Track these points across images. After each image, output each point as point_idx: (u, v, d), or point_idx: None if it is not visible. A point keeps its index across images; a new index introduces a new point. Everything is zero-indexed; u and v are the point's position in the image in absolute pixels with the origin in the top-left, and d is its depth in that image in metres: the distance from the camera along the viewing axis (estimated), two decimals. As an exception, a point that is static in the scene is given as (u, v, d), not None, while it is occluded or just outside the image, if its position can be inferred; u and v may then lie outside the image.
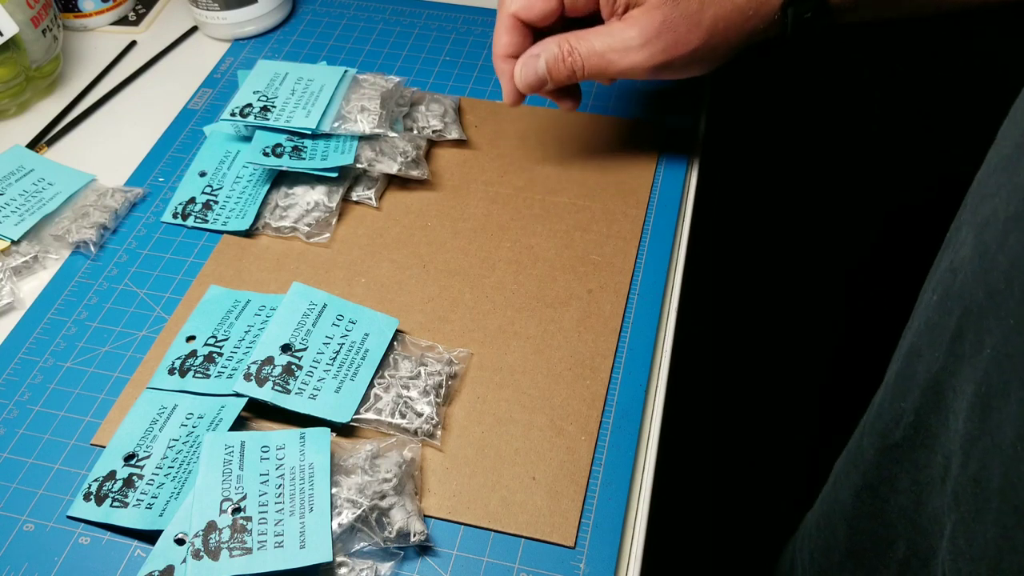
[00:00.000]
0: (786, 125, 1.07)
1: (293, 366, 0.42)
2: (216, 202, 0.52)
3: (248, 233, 0.51)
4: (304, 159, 0.51)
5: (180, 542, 0.36)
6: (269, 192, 0.52)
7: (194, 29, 0.66)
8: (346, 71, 0.55)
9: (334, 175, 0.51)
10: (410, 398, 0.42)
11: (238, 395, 0.41)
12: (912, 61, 1.00)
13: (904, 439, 0.37)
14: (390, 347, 0.44)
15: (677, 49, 0.44)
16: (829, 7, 0.45)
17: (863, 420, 0.43)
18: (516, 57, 0.48)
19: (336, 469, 0.38)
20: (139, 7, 0.68)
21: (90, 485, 0.39)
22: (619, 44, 0.45)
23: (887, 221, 1.17)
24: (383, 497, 0.37)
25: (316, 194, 0.51)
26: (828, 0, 0.44)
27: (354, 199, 0.52)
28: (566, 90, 0.49)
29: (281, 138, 0.52)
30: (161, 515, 0.38)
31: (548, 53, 0.46)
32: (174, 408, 0.42)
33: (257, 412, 0.42)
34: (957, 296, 0.32)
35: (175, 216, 0.52)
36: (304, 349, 0.43)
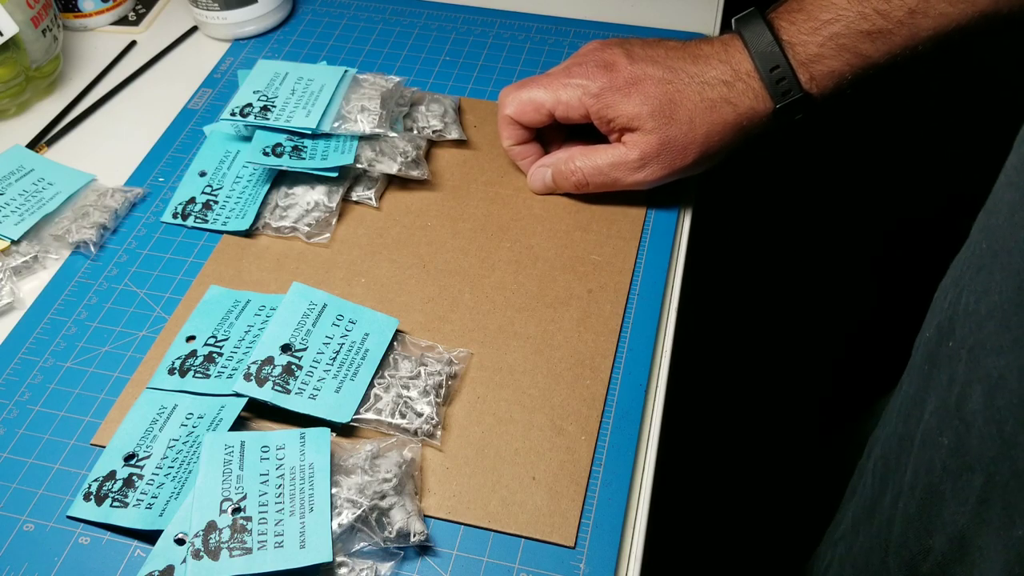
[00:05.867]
0: (788, 131, 1.07)
1: (293, 366, 0.42)
2: (216, 202, 0.52)
3: (248, 233, 0.51)
4: (304, 159, 0.51)
5: (180, 542, 0.36)
6: (269, 192, 0.52)
7: (194, 29, 0.66)
8: (346, 71, 0.55)
9: (334, 175, 0.51)
10: (410, 398, 0.42)
11: (238, 395, 0.41)
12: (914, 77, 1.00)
13: (932, 574, 0.37)
14: (390, 347, 0.44)
15: (675, 164, 0.48)
16: (815, 103, 0.47)
17: (881, 531, 0.43)
18: (522, 144, 0.52)
19: (336, 469, 0.38)
20: (139, 7, 0.68)
21: (90, 485, 0.39)
22: (622, 165, 0.48)
23: (889, 225, 1.17)
24: (383, 497, 0.37)
25: (316, 194, 0.51)
26: (813, 97, 0.47)
27: (354, 199, 0.52)
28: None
29: (281, 138, 0.52)
30: (161, 515, 0.38)
31: (555, 168, 0.51)
32: (174, 408, 0.42)
33: (257, 412, 0.42)
34: (976, 455, 0.33)
35: (175, 216, 0.52)
36: (304, 349, 0.43)
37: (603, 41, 0.50)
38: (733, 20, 0.48)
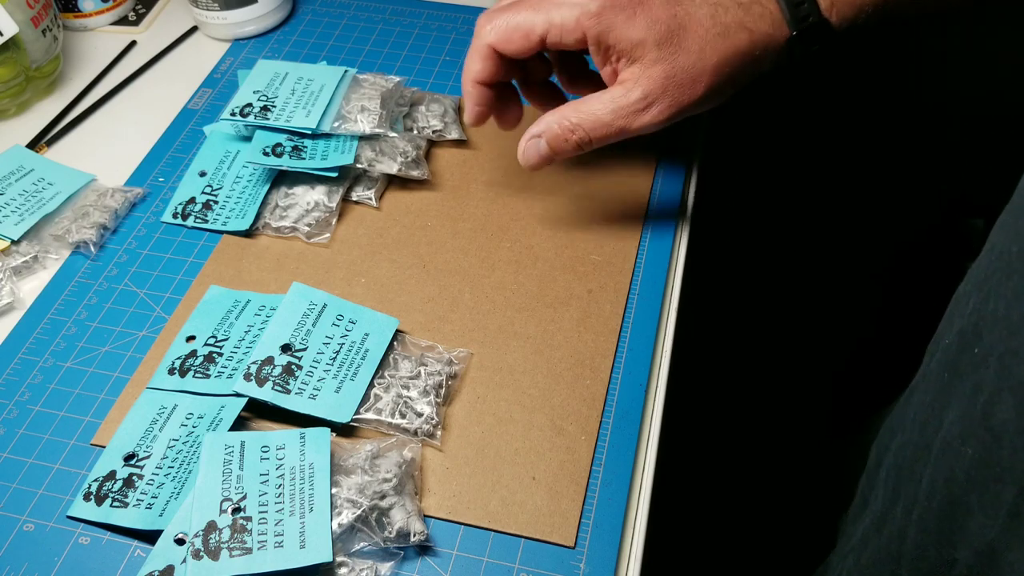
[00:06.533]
0: (788, 127, 1.07)
1: (293, 366, 0.42)
2: (216, 202, 0.52)
3: (248, 233, 0.51)
4: (304, 159, 0.51)
5: (180, 542, 0.36)
6: (269, 192, 0.52)
7: (194, 29, 0.66)
8: (346, 71, 0.55)
9: (334, 175, 0.51)
10: (410, 398, 0.42)
11: (238, 395, 0.41)
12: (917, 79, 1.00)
13: None
14: (390, 347, 0.44)
15: (683, 100, 0.43)
16: (834, 32, 0.43)
17: (892, 542, 0.41)
18: (486, 84, 0.46)
19: (336, 469, 0.38)
20: (139, 7, 0.68)
21: (90, 485, 0.39)
22: (624, 109, 0.43)
23: (892, 227, 1.17)
24: (383, 497, 0.37)
25: (316, 194, 0.51)
26: (833, 26, 0.43)
27: (354, 199, 0.52)
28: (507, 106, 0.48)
29: (281, 138, 0.52)
30: (161, 515, 0.38)
31: (549, 133, 0.44)
32: (174, 408, 0.42)
33: (257, 412, 0.42)
34: (1007, 466, 0.31)
35: (175, 216, 0.52)
36: (304, 349, 0.43)
37: None
38: None
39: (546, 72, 0.48)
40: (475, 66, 0.45)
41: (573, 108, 0.44)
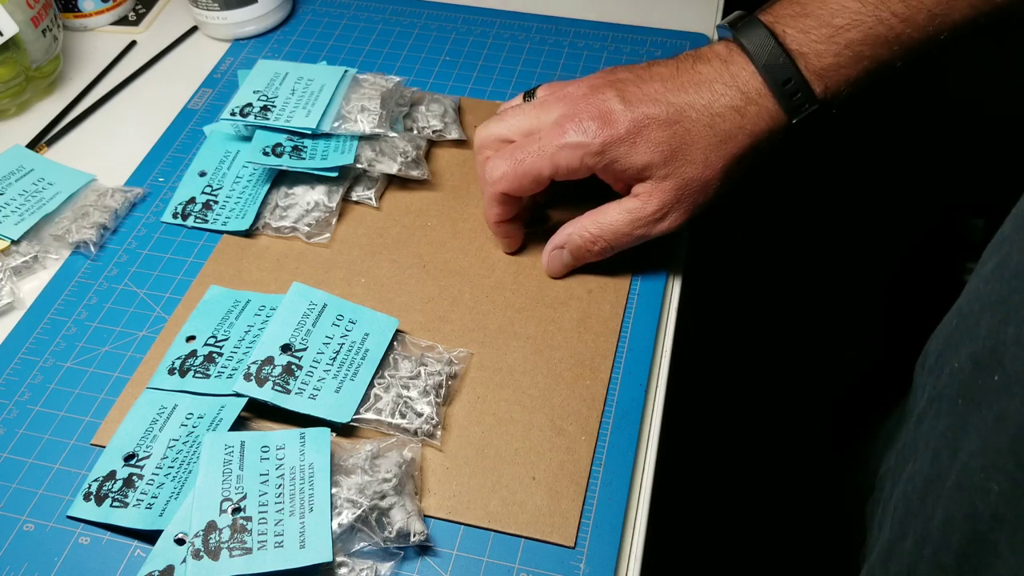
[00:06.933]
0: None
1: (293, 366, 0.42)
2: (216, 202, 0.52)
3: (248, 233, 0.51)
4: (304, 159, 0.51)
5: (180, 542, 0.36)
6: (269, 192, 0.52)
7: (194, 29, 0.66)
8: (346, 71, 0.55)
9: (334, 175, 0.51)
10: (410, 398, 0.42)
11: (238, 395, 0.41)
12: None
13: None
14: (390, 347, 0.44)
15: (697, 202, 0.44)
16: (831, 109, 0.44)
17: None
18: (509, 221, 0.47)
19: (336, 469, 0.38)
20: (139, 7, 0.68)
21: (90, 485, 0.39)
22: (642, 220, 0.44)
23: (890, 228, 1.17)
24: (383, 497, 0.37)
25: (316, 194, 0.51)
26: (829, 104, 0.44)
27: (354, 199, 0.52)
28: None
29: (281, 138, 0.52)
30: (161, 515, 0.38)
31: (571, 244, 0.46)
32: (174, 408, 0.42)
33: (257, 412, 0.42)
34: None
35: (175, 216, 0.52)
36: (304, 349, 0.43)
37: (590, 82, 0.45)
38: (725, 26, 0.44)
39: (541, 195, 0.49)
40: (494, 211, 0.46)
41: (592, 220, 0.45)
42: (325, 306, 0.45)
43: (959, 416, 0.35)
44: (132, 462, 0.40)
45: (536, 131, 0.45)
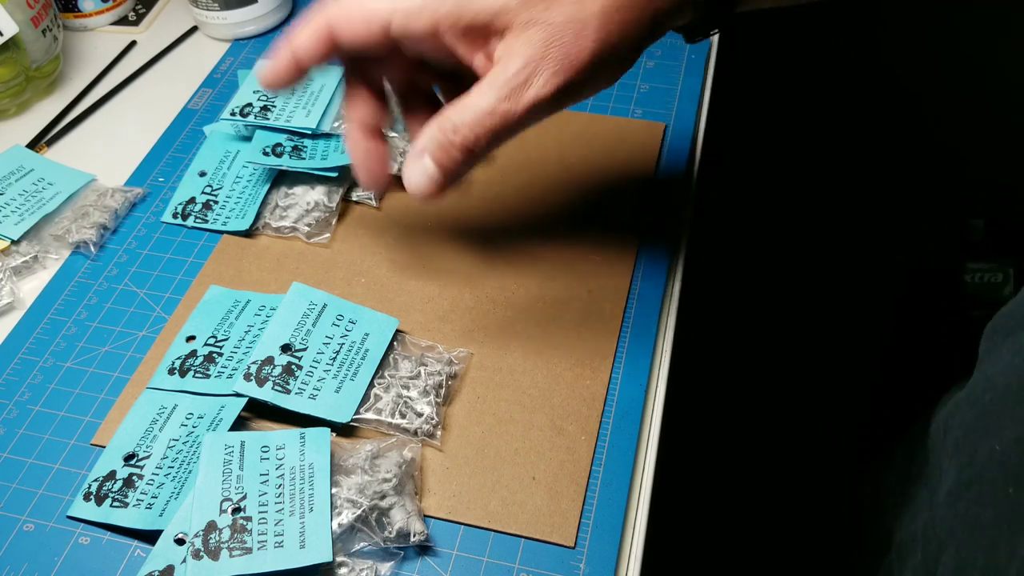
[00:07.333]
0: (788, 127, 1.07)
1: (293, 366, 0.42)
2: (216, 202, 0.52)
3: (248, 233, 0.51)
4: (304, 159, 0.51)
5: (180, 542, 0.36)
6: (269, 192, 0.52)
7: (194, 29, 0.66)
8: (346, 71, 0.55)
9: (334, 175, 0.51)
10: (410, 398, 0.42)
11: (238, 395, 0.41)
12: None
13: None
14: (390, 347, 0.44)
15: (572, 61, 0.34)
16: None
17: None
18: (299, 63, 0.37)
19: (336, 469, 0.38)
20: (139, 7, 0.69)
21: (90, 485, 0.39)
22: (505, 89, 0.34)
23: (889, 228, 1.17)
24: (383, 497, 0.37)
25: (316, 194, 0.51)
26: None
27: (354, 199, 0.52)
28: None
29: (281, 138, 0.52)
30: (161, 515, 0.38)
31: (431, 142, 0.36)
32: (174, 408, 0.42)
33: (257, 412, 0.42)
34: None
35: (175, 216, 0.52)
36: (304, 349, 0.43)
37: None
38: None
39: (423, 83, 0.41)
40: (302, 36, 0.36)
41: (452, 106, 0.35)
42: (325, 306, 0.45)
43: (1012, 506, 0.32)
44: (132, 462, 0.40)
45: None
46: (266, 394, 0.41)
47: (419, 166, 0.36)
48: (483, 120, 0.34)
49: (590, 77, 0.35)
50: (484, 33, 0.34)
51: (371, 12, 0.35)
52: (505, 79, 0.34)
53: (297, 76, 0.38)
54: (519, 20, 0.34)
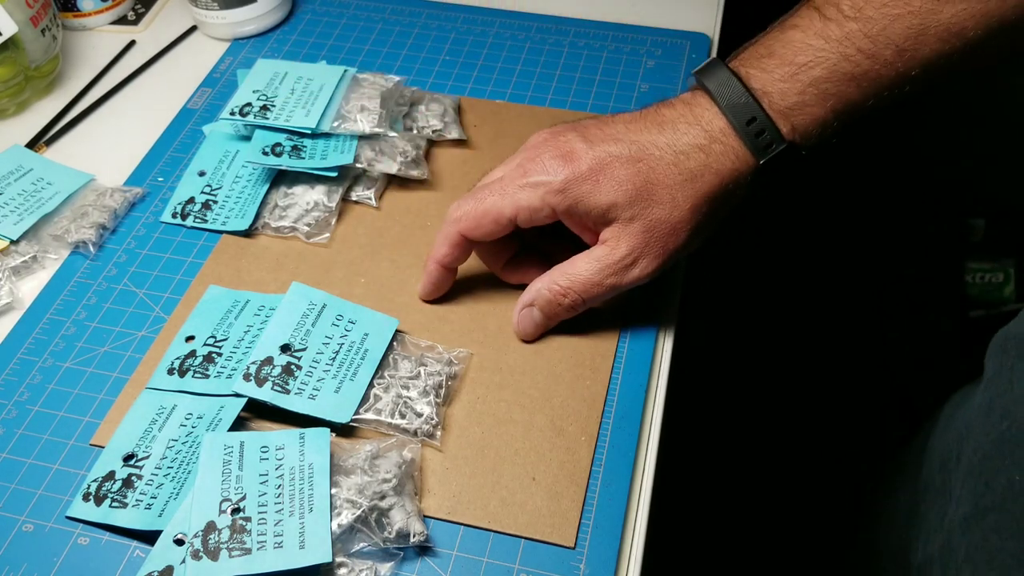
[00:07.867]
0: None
1: (292, 366, 0.42)
2: (215, 202, 0.52)
3: (247, 233, 0.51)
4: (304, 158, 0.51)
5: (179, 542, 0.36)
6: (268, 192, 0.52)
7: (193, 29, 0.66)
8: (346, 70, 0.55)
9: (334, 175, 0.51)
10: (410, 398, 0.42)
11: (237, 395, 0.41)
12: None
13: None
14: (390, 347, 0.44)
15: (668, 248, 0.42)
16: (800, 151, 0.42)
17: None
18: (449, 268, 0.46)
19: (336, 469, 0.38)
20: (138, 6, 0.68)
21: (89, 485, 0.39)
22: (611, 267, 0.42)
23: (889, 228, 1.17)
24: (383, 497, 0.37)
25: (316, 194, 0.51)
26: (798, 146, 0.42)
27: (354, 199, 0.52)
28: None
29: (281, 137, 0.52)
30: (160, 515, 0.38)
31: (540, 300, 0.44)
32: (173, 408, 0.42)
33: (257, 412, 0.42)
34: None
35: (174, 216, 0.52)
36: (304, 349, 0.43)
37: (551, 129, 0.44)
38: (693, 74, 0.43)
39: (516, 247, 0.48)
40: (443, 250, 0.45)
41: (561, 272, 0.43)
42: (325, 306, 0.45)
43: None
44: (131, 462, 0.40)
45: (502, 178, 0.44)
46: (265, 394, 0.41)
47: (529, 316, 0.45)
48: (590, 289, 0.43)
49: (682, 253, 0.43)
50: (593, 221, 0.42)
51: (499, 214, 0.42)
52: (612, 261, 0.42)
53: (450, 281, 0.47)
54: (624, 215, 0.41)
